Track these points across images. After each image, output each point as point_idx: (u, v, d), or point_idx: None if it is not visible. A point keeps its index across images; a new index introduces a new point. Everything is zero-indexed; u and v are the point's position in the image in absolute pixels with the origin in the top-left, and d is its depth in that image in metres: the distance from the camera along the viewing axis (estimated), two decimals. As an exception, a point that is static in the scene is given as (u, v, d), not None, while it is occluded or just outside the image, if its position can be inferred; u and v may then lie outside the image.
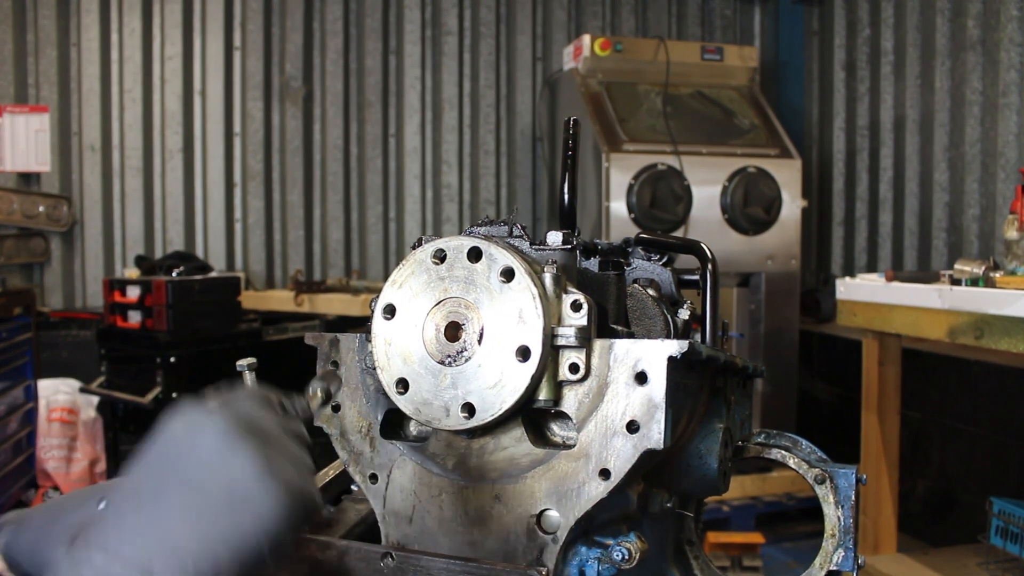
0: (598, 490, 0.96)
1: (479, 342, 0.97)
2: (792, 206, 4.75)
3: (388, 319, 1.02)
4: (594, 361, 0.97)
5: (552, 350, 0.97)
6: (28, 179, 5.16)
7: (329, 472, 1.27)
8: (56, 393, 4.49)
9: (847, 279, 3.56)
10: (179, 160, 5.43)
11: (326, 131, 5.69)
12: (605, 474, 0.96)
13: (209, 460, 0.68)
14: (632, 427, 0.95)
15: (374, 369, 1.03)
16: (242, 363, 1.06)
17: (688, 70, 5.00)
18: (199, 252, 5.43)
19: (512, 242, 1.04)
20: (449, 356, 0.99)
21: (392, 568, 0.96)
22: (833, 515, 1.19)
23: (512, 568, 0.94)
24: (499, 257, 0.98)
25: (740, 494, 4.62)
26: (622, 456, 0.95)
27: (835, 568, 1.18)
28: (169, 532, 0.65)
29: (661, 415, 0.94)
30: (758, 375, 1.36)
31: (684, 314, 1.18)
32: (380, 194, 5.79)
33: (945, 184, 4.78)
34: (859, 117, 5.47)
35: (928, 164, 4.90)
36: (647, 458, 0.96)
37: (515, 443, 1.01)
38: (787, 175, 4.74)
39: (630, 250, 1.25)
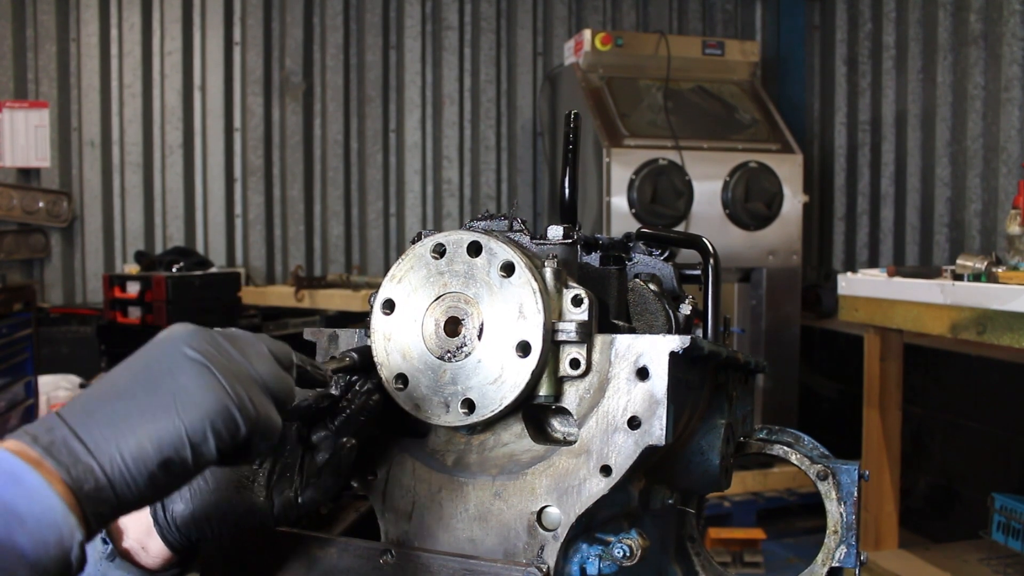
0: (599, 487, 0.95)
1: (479, 337, 0.97)
2: (793, 201, 4.74)
3: (387, 314, 1.01)
4: (595, 356, 0.97)
5: (553, 345, 0.96)
6: (28, 175, 5.16)
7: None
8: (56, 389, 4.48)
9: (849, 274, 3.56)
10: (179, 156, 5.42)
11: (326, 126, 5.68)
12: (606, 470, 0.95)
13: (168, 352, 0.73)
14: (633, 423, 0.94)
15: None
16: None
17: (689, 65, 4.98)
18: (199, 248, 5.43)
19: (512, 237, 1.03)
20: (449, 351, 0.98)
21: (392, 565, 0.95)
22: (835, 511, 1.19)
23: (513, 565, 0.94)
24: (499, 252, 0.97)
25: (742, 490, 4.62)
26: (623, 452, 0.94)
27: (837, 564, 1.18)
28: (109, 404, 0.70)
29: (663, 411, 0.93)
30: (760, 371, 1.35)
31: (685, 309, 1.17)
32: (380, 189, 5.78)
33: (947, 179, 4.77)
34: (861, 112, 5.46)
35: (930, 159, 4.89)
36: (648, 454, 0.95)
37: (515, 439, 1.00)
38: (788, 170, 4.73)
39: (631, 245, 1.24)
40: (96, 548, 0.89)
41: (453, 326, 0.98)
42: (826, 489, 1.20)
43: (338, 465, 0.93)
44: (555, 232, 1.04)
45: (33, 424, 0.69)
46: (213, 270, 4.66)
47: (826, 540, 1.19)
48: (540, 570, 0.92)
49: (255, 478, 0.89)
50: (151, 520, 0.89)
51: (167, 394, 0.71)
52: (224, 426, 0.72)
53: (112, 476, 0.67)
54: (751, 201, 4.63)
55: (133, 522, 0.90)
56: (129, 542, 0.90)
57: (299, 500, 0.91)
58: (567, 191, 1.19)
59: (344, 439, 0.94)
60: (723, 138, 4.75)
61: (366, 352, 1.01)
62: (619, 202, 4.51)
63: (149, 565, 0.91)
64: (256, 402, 0.75)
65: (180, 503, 0.88)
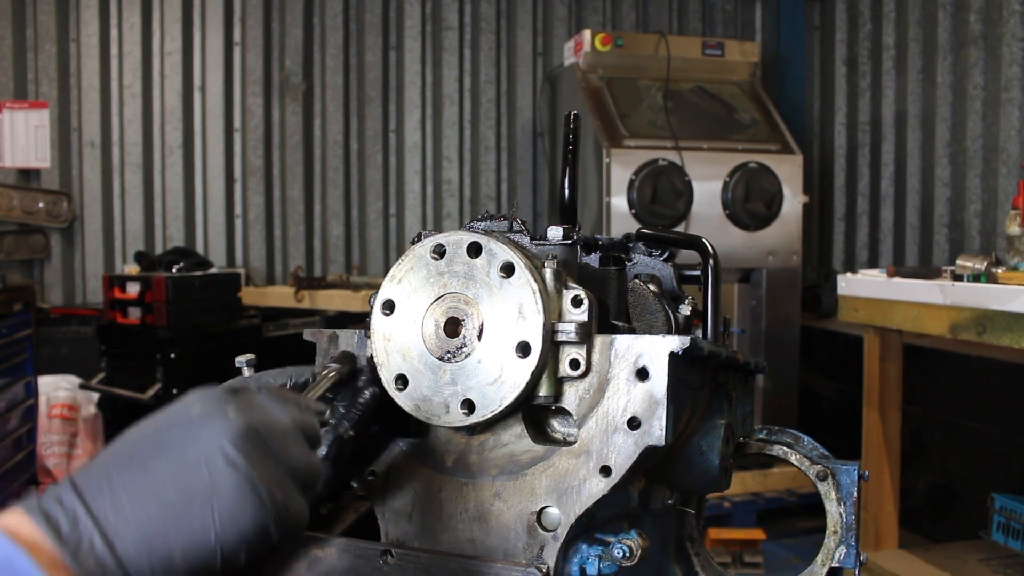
0: (599, 487, 0.95)
1: (479, 338, 0.97)
2: (793, 201, 4.74)
3: (387, 315, 1.01)
4: (595, 357, 0.97)
5: (552, 346, 0.96)
6: (28, 175, 5.16)
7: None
8: (56, 389, 4.48)
9: (848, 275, 3.56)
10: (179, 156, 5.42)
11: (326, 127, 5.68)
12: (606, 471, 0.95)
13: (207, 455, 0.68)
14: (633, 423, 0.94)
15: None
16: (241, 359, 1.06)
17: (689, 65, 4.98)
18: (199, 248, 5.43)
19: (512, 237, 1.03)
20: (449, 352, 0.98)
21: (392, 565, 0.95)
22: (835, 511, 1.19)
23: (512, 565, 0.94)
24: (499, 252, 0.97)
25: (741, 490, 4.62)
26: (623, 453, 0.95)
27: (837, 564, 1.18)
28: (141, 503, 0.65)
29: (662, 411, 0.93)
30: (759, 371, 1.35)
31: (685, 310, 1.17)
32: (380, 190, 5.78)
33: (947, 179, 4.77)
34: (860, 112, 5.46)
35: (930, 159, 4.89)
36: (648, 454, 0.95)
37: (515, 440, 1.00)
38: (788, 170, 4.73)
39: (631, 245, 1.24)
40: None
41: (453, 327, 0.98)
42: (826, 489, 1.20)
43: (338, 457, 0.93)
44: (555, 233, 1.04)
45: (53, 504, 0.64)
46: (213, 270, 4.66)
47: (826, 540, 1.19)
48: (540, 570, 0.92)
49: None
50: None
51: (206, 507, 0.67)
52: (259, 541, 0.69)
53: None
54: (751, 201, 4.63)
55: None
56: None
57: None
58: (567, 191, 1.19)
59: (342, 430, 0.94)
60: (723, 138, 4.75)
61: (348, 357, 1.02)
62: (619, 202, 4.51)
63: None
64: (290, 504, 0.72)
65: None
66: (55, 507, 0.64)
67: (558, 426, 1.03)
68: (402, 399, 0.99)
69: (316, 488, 0.79)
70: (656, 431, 0.93)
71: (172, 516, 0.66)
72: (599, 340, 0.97)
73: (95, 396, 4.45)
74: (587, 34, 4.89)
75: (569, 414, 0.98)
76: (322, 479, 0.90)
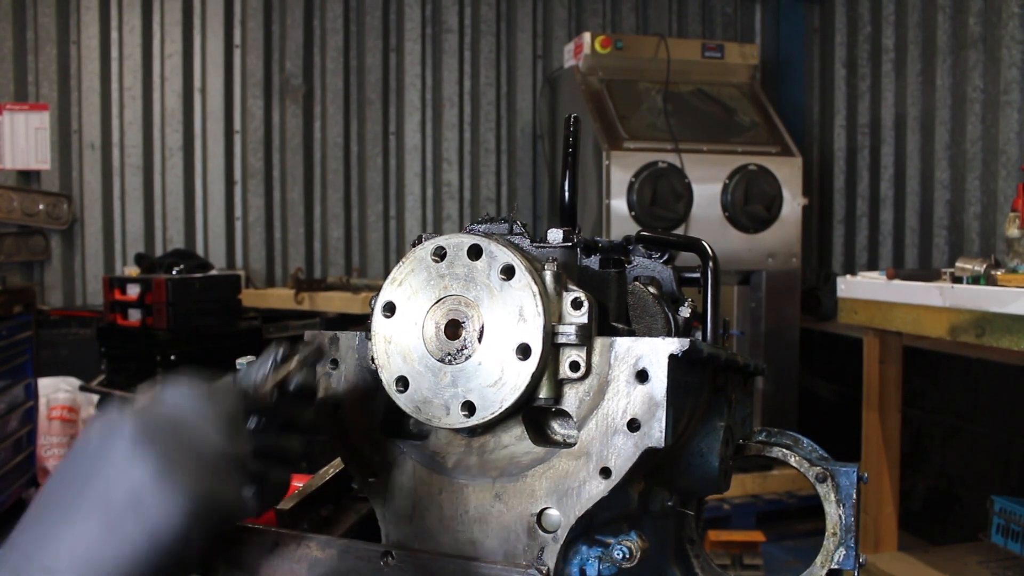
0: (599, 489, 0.95)
1: (479, 340, 0.97)
2: (793, 204, 4.74)
3: (388, 317, 1.02)
4: (595, 359, 0.97)
5: (552, 348, 0.96)
6: (28, 177, 5.16)
7: (329, 471, 1.27)
8: (56, 391, 4.49)
9: (848, 277, 3.56)
10: (179, 158, 5.43)
11: (326, 129, 5.68)
12: (606, 472, 0.95)
13: (115, 466, 0.69)
14: (633, 425, 0.95)
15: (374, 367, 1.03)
16: (241, 361, 1.06)
17: (689, 68, 4.99)
18: (199, 250, 5.43)
19: (512, 240, 1.04)
20: (449, 354, 0.98)
21: (392, 567, 0.95)
22: (834, 513, 1.19)
23: (513, 567, 0.94)
24: (499, 255, 0.97)
25: (741, 492, 4.62)
26: (623, 454, 0.95)
27: (836, 567, 1.18)
28: (79, 541, 0.67)
29: (662, 413, 0.94)
30: (759, 373, 1.36)
31: (685, 312, 1.17)
32: (380, 192, 5.78)
33: (946, 182, 4.78)
34: (860, 115, 5.46)
35: (929, 162, 4.90)
36: (648, 456, 0.95)
37: (515, 441, 1.00)
38: (788, 173, 4.73)
39: (631, 248, 1.24)
40: None
41: (453, 329, 0.99)
42: (825, 491, 1.20)
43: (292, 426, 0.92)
44: (555, 235, 1.04)
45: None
46: (213, 272, 4.66)
47: (825, 542, 1.19)
48: (540, 572, 0.92)
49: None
50: None
51: (126, 519, 0.68)
52: (196, 527, 0.70)
53: None
54: (750, 204, 4.64)
55: None
56: None
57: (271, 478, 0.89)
58: (567, 194, 1.19)
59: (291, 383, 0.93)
60: (723, 141, 4.76)
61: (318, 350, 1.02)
62: (619, 205, 4.52)
63: None
64: (215, 487, 0.73)
65: None
66: None
67: (558, 428, 1.04)
68: (402, 401, 1.00)
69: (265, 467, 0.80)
70: (656, 433, 0.94)
71: (110, 550, 0.67)
72: (599, 342, 0.97)
73: (95, 398, 4.45)
74: (587, 36, 4.89)
75: (569, 416, 0.99)
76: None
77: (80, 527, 0.67)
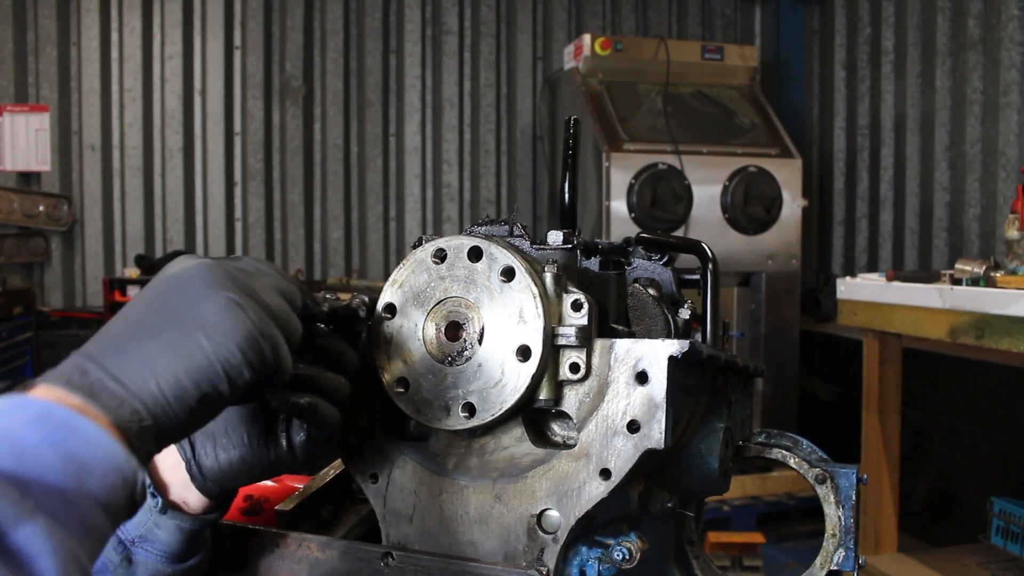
0: (599, 490, 0.96)
1: (479, 342, 0.97)
2: (792, 205, 4.74)
3: (388, 318, 1.02)
4: (595, 361, 0.97)
5: (553, 350, 0.96)
6: (28, 178, 5.16)
7: (329, 472, 1.27)
8: (56, 392, 4.48)
9: (848, 278, 3.56)
10: (179, 159, 5.43)
11: (326, 130, 5.69)
12: (606, 474, 0.95)
13: (190, 293, 0.75)
14: (633, 427, 0.95)
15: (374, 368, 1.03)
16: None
17: (688, 69, 4.99)
18: (199, 251, 5.43)
19: (512, 241, 1.04)
20: (449, 356, 0.99)
21: (393, 568, 0.96)
22: (834, 515, 1.19)
23: (513, 568, 0.94)
24: (499, 256, 0.98)
25: (741, 494, 4.62)
26: (623, 456, 0.95)
27: (836, 568, 1.18)
28: (146, 353, 0.71)
29: (662, 415, 0.94)
30: (759, 375, 1.36)
31: (685, 314, 1.17)
32: (380, 193, 5.79)
33: (946, 183, 4.78)
34: (860, 116, 5.47)
35: (929, 163, 4.90)
36: (648, 458, 0.95)
37: (516, 443, 1.01)
38: (788, 174, 4.74)
39: (630, 249, 1.24)
40: (146, 503, 0.92)
41: (454, 330, 0.99)
42: (824, 493, 1.20)
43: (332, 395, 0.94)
44: (555, 237, 1.04)
45: (61, 367, 0.69)
46: (213, 274, 4.66)
47: (824, 544, 1.19)
48: (540, 573, 0.92)
49: (278, 428, 0.93)
50: (187, 475, 0.93)
51: (196, 328, 0.72)
52: (255, 356, 0.74)
53: (156, 414, 0.69)
54: (750, 205, 4.64)
55: (174, 478, 0.94)
56: (174, 496, 0.94)
57: (312, 440, 0.93)
58: (567, 195, 1.19)
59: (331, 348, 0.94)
60: (722, 142, 4.76)
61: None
62: (619, 206, 4.52)
63: (193, 512, 0.95)
64: (275, 335, 0.77)
65: (209, 460, 0.92)
66: (64, 368, 0.69)
67: (558, 429, 1.04)
68: (403, 402, 1.00)
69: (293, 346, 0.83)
70: (655, 434, 0.94)
71: (169, 343, 0.71)
72: (599, 344, 0.97)
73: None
74: (587, 38, 4.90)
75: (569, 417, 0.99)
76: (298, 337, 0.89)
77: (149, 344, 0.71)
